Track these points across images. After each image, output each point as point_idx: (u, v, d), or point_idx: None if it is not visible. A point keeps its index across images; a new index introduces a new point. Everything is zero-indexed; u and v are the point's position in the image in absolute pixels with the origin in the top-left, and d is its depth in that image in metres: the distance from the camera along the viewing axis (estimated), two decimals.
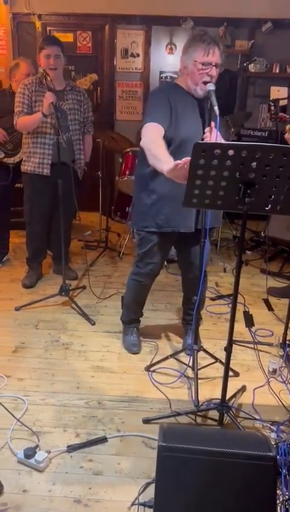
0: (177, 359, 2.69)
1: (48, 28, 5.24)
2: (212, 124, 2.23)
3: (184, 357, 2.68)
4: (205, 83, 2.28)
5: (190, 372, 2.57)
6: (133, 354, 2.83)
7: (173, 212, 2.44)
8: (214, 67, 2.27)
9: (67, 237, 3.60)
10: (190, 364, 2.54)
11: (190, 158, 1.76)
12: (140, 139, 2.34)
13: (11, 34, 5.22)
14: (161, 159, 2.09)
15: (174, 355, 2.69)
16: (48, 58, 3.15)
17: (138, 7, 5.01)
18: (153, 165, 2.18)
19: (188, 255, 2.66)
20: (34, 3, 5.07)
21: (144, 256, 2.63)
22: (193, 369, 2.49)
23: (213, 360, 2.61)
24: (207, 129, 2.26)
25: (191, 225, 2.48)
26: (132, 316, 2.92)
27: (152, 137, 2.24)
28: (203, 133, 2.30)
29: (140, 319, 2.96)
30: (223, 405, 2.15)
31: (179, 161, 1.86)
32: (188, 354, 2.61)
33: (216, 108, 2.16)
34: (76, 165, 3.45)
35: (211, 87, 2.23)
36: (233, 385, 2.40)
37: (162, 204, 2.46)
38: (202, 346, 2.60)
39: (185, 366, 2.60)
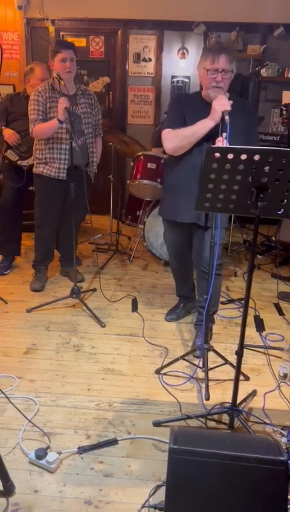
0: (187, 360, 2.69)
1: (61, 33, 5.30)
2: (224, 134, 2.33)
3: (195, 360, 2.68)
4: (215, 87, 2.48)
5: (200, 375, 2.57)
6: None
7: (171, 203, 2.77)
8: (220, 73, 2.45)
9: (76, 239, 3.63)
10: (200, 365, 2.55)
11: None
12: (153, 142, 2.48)
13: (24, 39, 5.29)
14: (193, 126, 2.46)
15: (184, 356, 2.69)
16: (64, 62, 3.13)
17: (150, 12, 5.04)
18: (196, 139, 2.48)
19: (195, 247, 2.81)
20: (47, 9, 5.13)
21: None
22: (202, 366, 2.50)
23: (223, 362, 2.62)
24: (218, 139, 2.36)
25: (189, 217, 2.69)
26: (178, 291, 3.32)
27: (172, 135, 2.57)
28: (213, 138, 2.42)
29: (186, 297, 3.29)
30: (233, 409, 2.15)
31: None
32: (197, 357, 2.66)
33: (227, 118, 2.32)
34: (90, 167, 3.48)
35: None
36: (244, 389, 2.40)
37: (164, 195, 2.90)
38: (212, 346, 2.61)
39: (195, 368, 2.60)
